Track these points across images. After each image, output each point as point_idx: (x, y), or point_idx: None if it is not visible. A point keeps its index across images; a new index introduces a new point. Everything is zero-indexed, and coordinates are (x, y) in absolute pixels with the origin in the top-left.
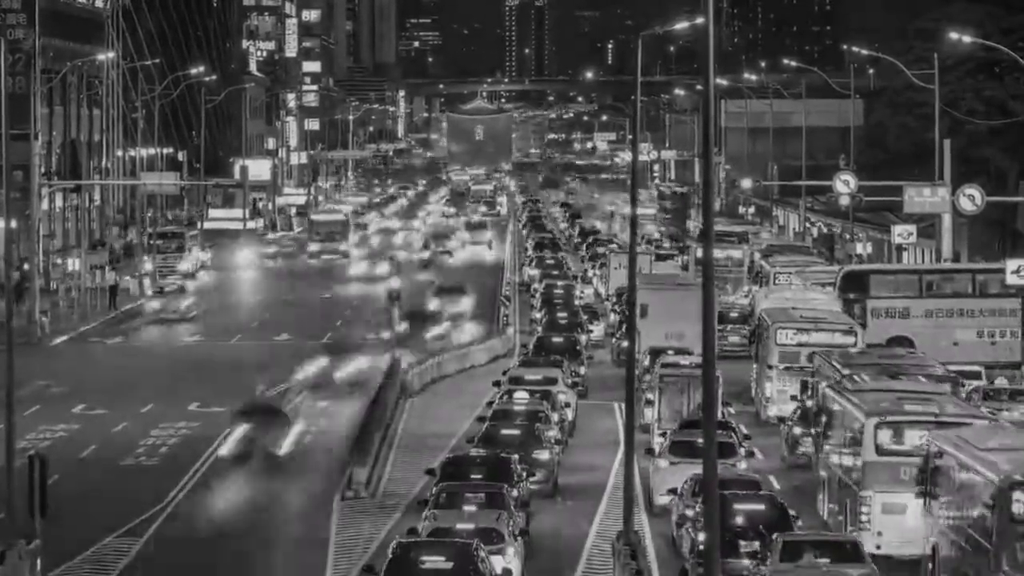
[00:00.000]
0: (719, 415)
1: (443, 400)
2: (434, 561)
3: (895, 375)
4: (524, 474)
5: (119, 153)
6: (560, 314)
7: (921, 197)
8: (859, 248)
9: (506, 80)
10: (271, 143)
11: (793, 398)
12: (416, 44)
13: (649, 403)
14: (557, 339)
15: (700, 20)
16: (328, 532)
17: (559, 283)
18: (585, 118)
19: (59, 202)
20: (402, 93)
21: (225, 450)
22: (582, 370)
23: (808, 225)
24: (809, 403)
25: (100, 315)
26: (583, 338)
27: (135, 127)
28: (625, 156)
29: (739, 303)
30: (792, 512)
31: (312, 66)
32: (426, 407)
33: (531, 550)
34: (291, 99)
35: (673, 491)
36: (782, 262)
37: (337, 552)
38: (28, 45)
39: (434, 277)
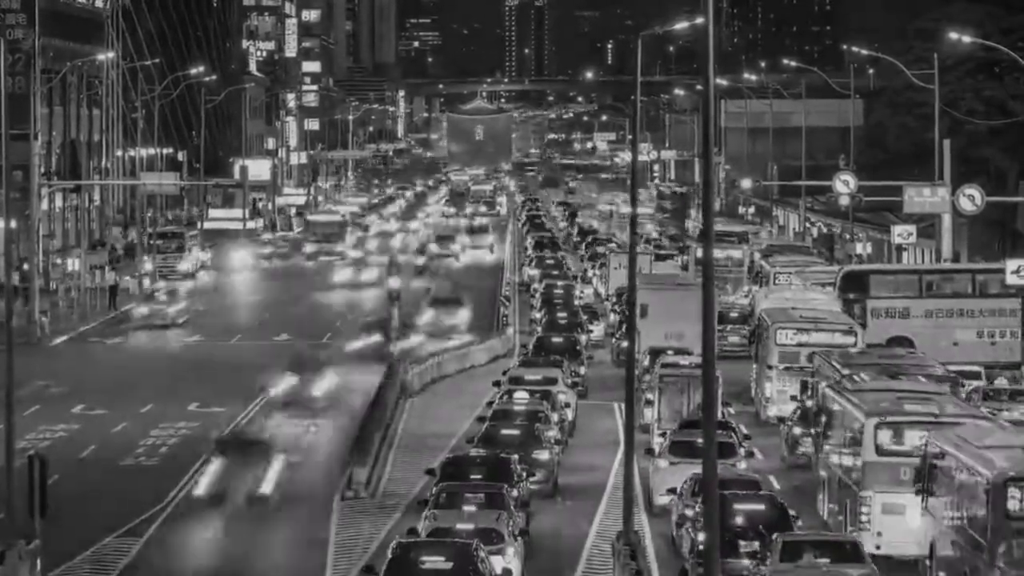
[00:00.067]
0: (719, 415)
1: (443, 400)
2: (434, 561)
3: (895, 375)
4: (524, 474)
5: (119, 153)
6: (560, 314)
7: (921, 197)
8: (859, 248)
9: (506, 80)
10: (271, 143)
11: (793, 398)
12: (416, 44)
13: (649, 403)
14: (557, 339)
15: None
16: (328, 532)
17: (559, 283)
18: (585, 118)
19: (59, 202)
20: (402, 93)
21: (200, 490)
22: (582, 370)
23: (808, 225)
24: (809, 403)
25: (100, 315)
26: (583, 338)
27: (135, 127)
28: (625, 156)
29: (739, 303)
30: (792, 512)
31: (312, 66)
32: (426, 407)
33: (531, 550)
34: (291, 99)
35: (673, 491)
36: (782, 262)
37: (337, 552)
38: (28, 45)
39: (429, 284)
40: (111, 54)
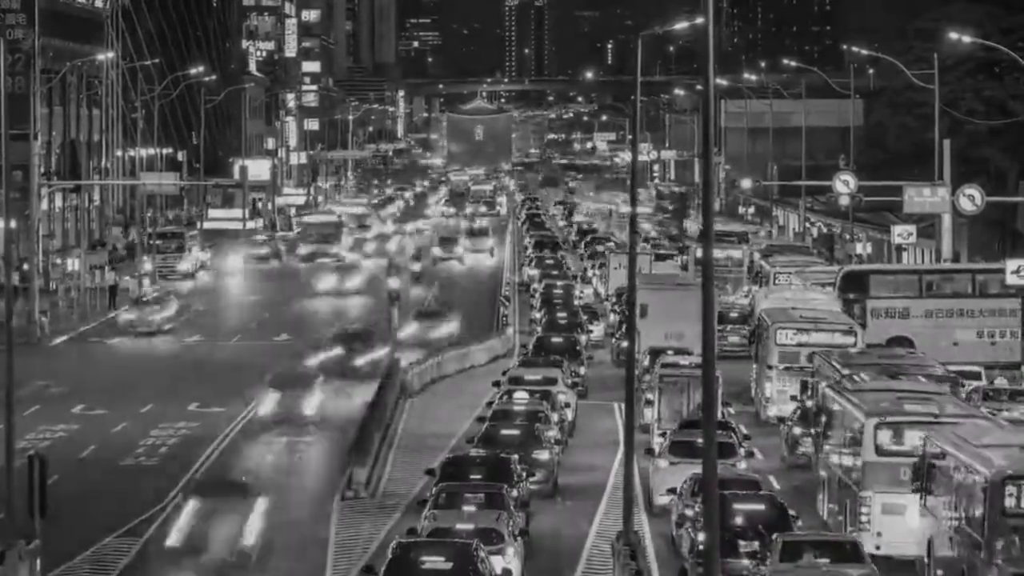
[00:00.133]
0: (719, 415)
1: (443, 400)
2: (434, 561)
3: (895, 375)
4: (524, 474)
5: (119, 153)
6: (560, 314)
7: (921, 197)
8: (859, 248)
9: (506, 80)
10: (271, 143)
11: (793, 398)
12: (416, 44)
13: (649, 403)
14: (557, 339)
15: (700, 20)
16: (328, 532)
17: (559, 283)
18: (585, 118)
19: (59, 202)
20: (402, 93)
21: (173, 540)
22: (582, 370)
23: (808, 225)
24: (809, 403)
25: (100, 315)
26: (583, 338)
27: (135, 127)
28: (625, 156)
29: (739, 303)
30: (792, 512)
31: (312, 66)
32: (426, 407)
33: (531, 550)
34: (291, 99)
35: (673, 491)
36: (782, 262)
37: (337, 552)
38: (28, 45)
39: (426, 291)
40: (111, 54)
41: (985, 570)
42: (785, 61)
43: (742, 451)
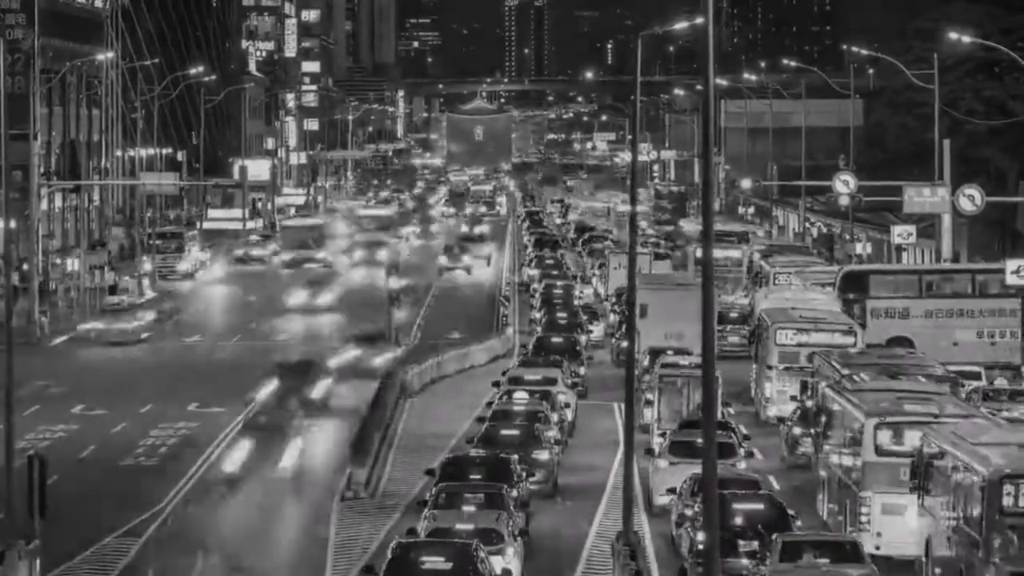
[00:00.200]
0: (719, 415)
1: (443, 400)
2: (434, 561)
3: (895, 375)
4: (524, 474)
5: (118, 153)
6: (560, 314)
7: (921, 197)
8: (859, 248)
9: (506, 80)
10: (270, 143)
11: (793, 398)
12: (416, 44)
13: (649, 403)
14: (557, 339)
15: (700, 20)
16: (328, 532)
17: (558, 283)
18: (585, 118)
19: (58, 202)
20: (401, 93)
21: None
22: (582, 370)
23: (808, 225)
24: (809, 403)
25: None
26: (583, 338)
27: (134, 127)
28: (624, 156)
29: (739, 303)
30: (791, 511)
31: (311, 66)
32: (426, 407)
33: (531, 550)
34: (290, 99)
35: (672, 491)
36: (782, 262)
37: (337, 552)
38: (27, 45)
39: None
40: (110, 54)
41: (983, 569)
42: (785, 61)
43: (742, 451)
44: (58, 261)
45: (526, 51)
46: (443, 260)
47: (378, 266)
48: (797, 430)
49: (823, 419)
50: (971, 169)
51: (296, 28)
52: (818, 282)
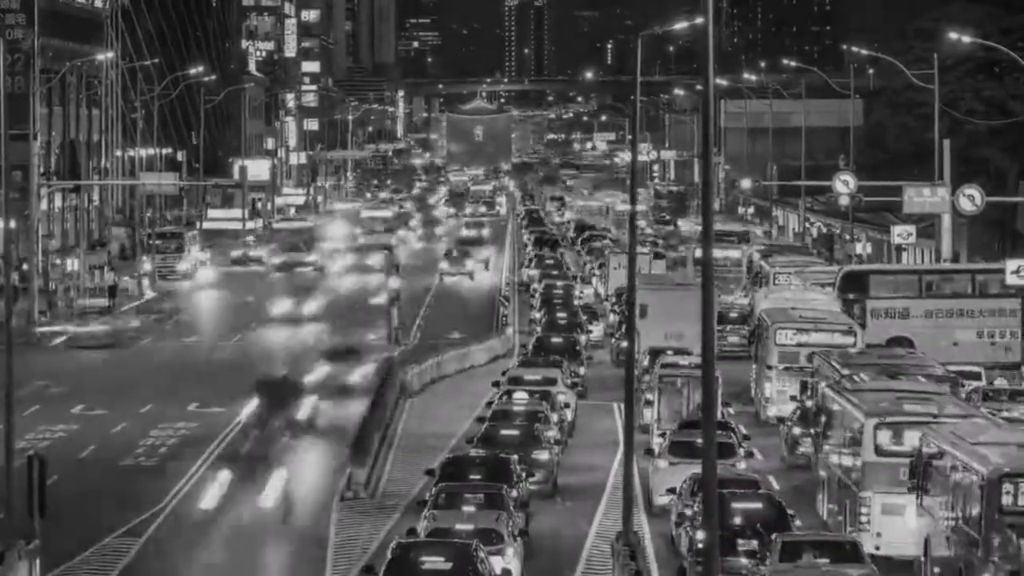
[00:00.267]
0: (719, 415)
1: (442, 400)
2: (433, 561)
3: (895, 375)
4: (523, 474)
5: (118, 153)
6: (559, 314)
7: (921, 197)
8: (858, 248)
9: (505, 80)
10: (270, 143)
11: (793, 398)
12: (415, 44)
13: (648, 403)
14: (556, 339)
15: (700, 20)
16: (328, 532)
17: (558, 283)
18: (585, 118)
19: (58, 202)
20: (401, 93)
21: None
22: (582, 370)
23: (808, 225)
24: (809, 403)
25: (99, 316)
26: (582, 338)
27: (134, 127)
28: (624, 156)
29: (739, 303)
30: (790, 511)
31: (311, 66)
32: (426, 407)
33: (531, 550)
34: (290, 99)
35: (672, 491)
36: (782, 262)
37: (337, 552)
38: (27, 45)
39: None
40: (110, 54)
41: (982, 568)
42: (785, 61)
43: (742, 451)
44: (58, 261)
45: (526, 51)
46: (444, 265)
47: (370, 272)
48: (797, 430)
49: (823, 419)
50: (971, 169)
51: (296, 28)
52: (818, 282)
